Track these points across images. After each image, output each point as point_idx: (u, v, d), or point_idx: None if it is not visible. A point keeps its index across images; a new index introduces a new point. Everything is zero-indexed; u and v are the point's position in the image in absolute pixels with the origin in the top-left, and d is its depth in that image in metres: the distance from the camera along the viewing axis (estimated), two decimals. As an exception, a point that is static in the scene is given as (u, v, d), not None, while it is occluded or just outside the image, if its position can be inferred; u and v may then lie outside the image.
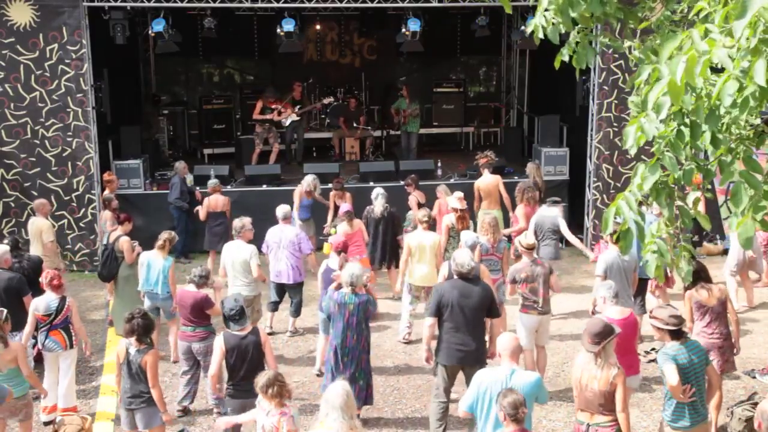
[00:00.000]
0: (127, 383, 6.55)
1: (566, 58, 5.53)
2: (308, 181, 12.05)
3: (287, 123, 15.52)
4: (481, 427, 5.65)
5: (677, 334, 5.92)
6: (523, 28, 5.34)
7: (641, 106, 3.63)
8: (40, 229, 10.15)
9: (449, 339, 6.97)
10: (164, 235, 8.92)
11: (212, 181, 12.35)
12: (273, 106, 15.28)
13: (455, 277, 7.17)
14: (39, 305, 7.61)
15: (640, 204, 3.93)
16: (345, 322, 7.27)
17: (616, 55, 12.29)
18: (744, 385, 8.31)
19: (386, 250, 10.97)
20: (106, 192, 12.08)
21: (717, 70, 3.36)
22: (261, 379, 5.61)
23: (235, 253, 8.89)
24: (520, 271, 8.15)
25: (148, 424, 6.58)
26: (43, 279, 7.75)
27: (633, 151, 3.82)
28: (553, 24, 4.82)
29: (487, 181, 11.93)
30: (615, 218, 3.94)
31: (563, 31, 4.95)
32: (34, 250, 10.04)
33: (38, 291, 8.06)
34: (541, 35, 4.90)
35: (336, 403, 4.98)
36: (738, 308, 10.33)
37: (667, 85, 3.24)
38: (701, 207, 10.15)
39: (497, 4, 12.83)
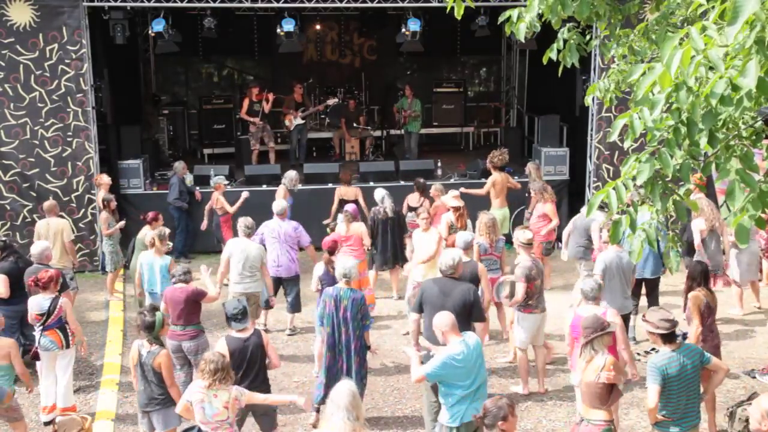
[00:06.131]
0: (141, 386, 6.54)
1: (555, 55, 5.60)
2: (290, 176, 11.98)
3: (293, 127, 15.59)
4: (460, 395, 5.88)
5: (669, 338, 5.80)
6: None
7: (635, 101, 3.64)
8: (61, 229, 10.08)
9: (429, 335, 6.97)
10: (154, 234, 8.90)
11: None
12: (259, 99, 15.24)
13: (440, 275, 7.25)
14: (33, 304, 7.62)
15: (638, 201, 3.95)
16: (340, 317, 7.24)
17: (616, 55, 12.31)
18: (744, 385, 8.30)
19: (396, 250, 10.98)
20: (105, 192, 12.06)
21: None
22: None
23: (248, 250, 9.06)
24: (531, 269, 8.01)
25: (166, 425, 6.57)
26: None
27: (626, 145, 3.85)
28: (523, 18, 4.96)
29: (502, 179, 11.98)
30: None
31: (537, 29, 5.08)
32: (55, 252, 9.78)
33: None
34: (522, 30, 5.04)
35: (342, 402, 4.96)
36: (749, 309, 10.41)
37: (660, 74, 3.26)
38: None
39: (497, 4, 12.85)
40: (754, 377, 8.50)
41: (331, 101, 16.48)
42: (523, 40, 5.76)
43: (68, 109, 12.08)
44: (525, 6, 5.10)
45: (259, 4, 13.70)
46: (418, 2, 12.79)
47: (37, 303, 7.61)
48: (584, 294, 6.94)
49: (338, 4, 12.98)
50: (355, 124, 16.21)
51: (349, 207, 10.75)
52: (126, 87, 15.17)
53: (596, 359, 5.74)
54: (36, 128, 12.07)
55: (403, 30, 13.77)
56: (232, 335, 6.57)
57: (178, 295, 7.70)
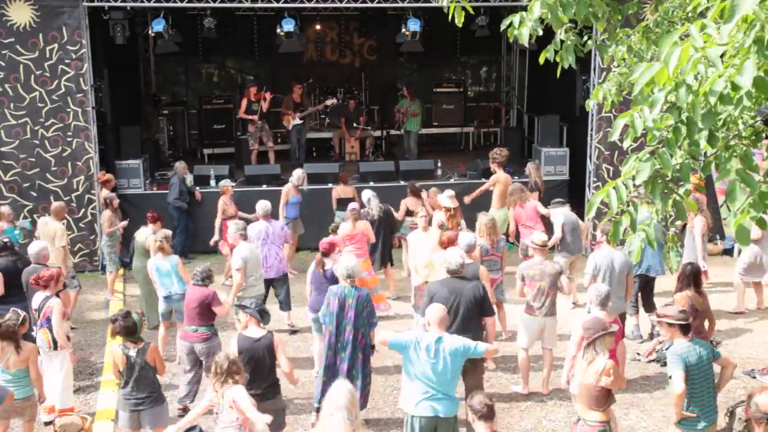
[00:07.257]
0: (132, 386, 6.51)
1: (551, 55, 5.61)
2: (298, 174, 12.02)
3: (290, 127, 15.59)
4: (414, 377, 5.99)
5: (686, 330, 5.96)
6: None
7: (635, 100, 3.65)
8: (53, 232, 10.10)
9: None
10: (159, 237, 8.97)
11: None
12: (257, 99, 15.21)
13: (446, 275, 7.22)
14: (34, 302, 7.69)
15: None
16: (344, 316, 7.22)
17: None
18: (744, 385, 8.30)
19: (386, 250, 10.98)
20: (106, 191, 12.04)
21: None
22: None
23: (257, 253, 9.22)
24: (530, 268, 8.09)
25: (155, 424, 6.59)
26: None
27: (625, 144, 3.85)
28: (525, 22, 4.98)
29: (505, 179, 11.95)
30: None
31: (540, 33, 5.08)
32: (52, 253, 9.71)
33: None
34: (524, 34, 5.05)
35: (340, 402, 4.94)
36: (749, 309, 10.42)
37: (657, 71, 3.26)
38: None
39: (497, 4, 12.86)
40: (754, 377, 8.51)
41: (330, 102, 16.46)
42: (527, 45, 5.76)
43: (68, 109, 12.07)
44: (524, 6, 5.10)
45: (259, 4, 13.71)
46: (418, 2, 12.79)
47: (35, 300, 7.67)
48: (594, 300, 7.00)
49: (338, 4, 12.98)
50: (355, 124, 16.20)
51: (355, 205, 10.72)
52: (126, 87, 15.18)
53: (597, 361, 5.77)
54: (36, 128, 12.07)
55: (403, 30, 13.77)
56: (243, 334, 6.55)
57: (193, 295, 7.72)
